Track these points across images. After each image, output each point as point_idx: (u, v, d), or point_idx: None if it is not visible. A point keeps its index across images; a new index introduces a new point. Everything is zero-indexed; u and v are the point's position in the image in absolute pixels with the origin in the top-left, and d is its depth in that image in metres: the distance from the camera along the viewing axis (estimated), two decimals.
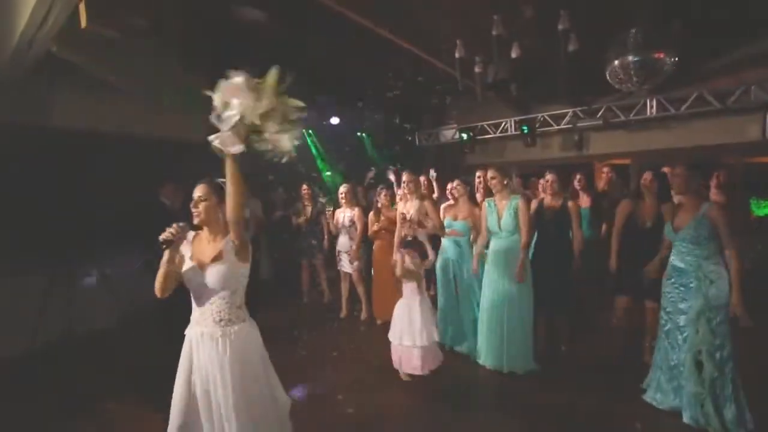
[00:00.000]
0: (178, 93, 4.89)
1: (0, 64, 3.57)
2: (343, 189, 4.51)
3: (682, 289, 2.49)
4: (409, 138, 8.17)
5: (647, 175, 3.11)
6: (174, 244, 1.72)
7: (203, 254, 1.80)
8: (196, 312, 1.80)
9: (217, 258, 1.75)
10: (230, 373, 1.70)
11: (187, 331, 1.82)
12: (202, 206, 1.81)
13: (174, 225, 1.72)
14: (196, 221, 1.82)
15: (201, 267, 1.77)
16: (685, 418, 2.45)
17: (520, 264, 3.08)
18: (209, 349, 1.72)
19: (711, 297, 2.36)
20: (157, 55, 4.31)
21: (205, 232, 1.85)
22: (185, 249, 1.83)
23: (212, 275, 1.74)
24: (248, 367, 1.77)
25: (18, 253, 3.76)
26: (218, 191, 1.83)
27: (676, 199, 2.76)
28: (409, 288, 3.12)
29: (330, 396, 2.98)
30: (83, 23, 2.57)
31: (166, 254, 1.72)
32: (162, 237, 1.69)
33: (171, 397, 1.78)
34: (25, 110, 3.96)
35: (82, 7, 2.55)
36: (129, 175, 4.27)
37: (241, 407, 1.70)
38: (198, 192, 1.84)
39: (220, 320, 1.75)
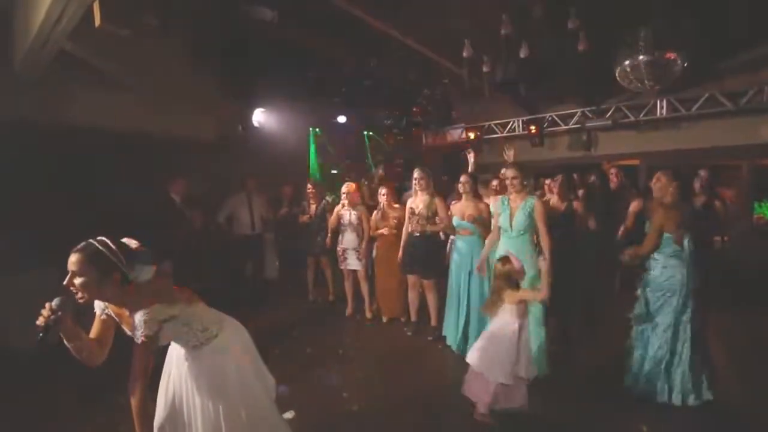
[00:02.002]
0: (186, 91, 4.96)
1: (15, 62, 3.65)
2: (345, 188, 4.53)
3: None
4: (416, 137, 8.18)
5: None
6: (54, 327, 1.38)
7: (125, 320, 1.55)
8: None
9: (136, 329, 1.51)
10: (202, 393, 1.68)
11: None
12: (78, 284, 1.39)
13: (47, 304, 1.38)
14: (80, 302, 1.45)
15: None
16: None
17: (546, 272, 2.80)
18: (185, 368, 1.72)
19: (647, 281, 2.78)
20: (169, 54, 4.37)
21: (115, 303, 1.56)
22: (108, 310, 1.58)
23: None
24: (229, 378, 1.72)
25: (29, 249, 3.83)
26: (100, 262, 1.41)
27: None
28: (510, 310, 2.46)
29: (335, 394, 3.00)
30: (97, 22, 2.62)
31: (63, 334, 1.42)
32: (37, 322, 1.37)
33: None
34: (39, 107, 4.03)
35: (96, 6, 2.59)
36: (140, 171, 4.33)
37: (215, 423, 1.67)
38: (70, 265, 1.40)
39: (193, 347, 1.71)
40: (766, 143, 5.32)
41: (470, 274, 3.56)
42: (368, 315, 4.55)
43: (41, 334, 1.36)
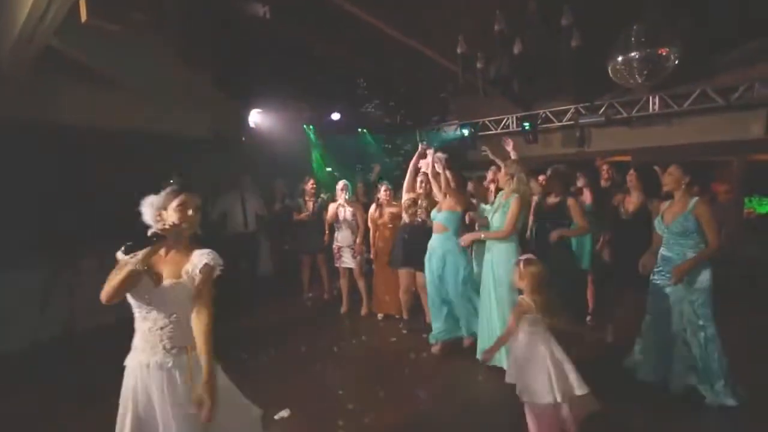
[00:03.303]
0: (178, 88, 4.89)
1: (0, 58, 3.56)
2: (340, 185, 4.51)
3: (668, 276, 2.72)
4: (411, 134, 8.15)
5: (632, 173, 3.50)
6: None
7: (162, 268, 1.57)
8: (141, 338, 1.56)
9: (177, 276, 1.54)
10: (181, 408, 1.49)
11: (128, 361, 1.58)
12: (198, 218, 1.66)
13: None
14: (188, 232, 1.64)
15: (159, 282, 1.53)
16: (673, 389, 2.72)
17: (469, 236, 3.23)
18: (158, 381, 1.50)
19: (693, 282, 2.64)
20: (158, 50, 4.30)
21: (165, 247, 1.59)
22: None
23: (171, 292, 1.52)
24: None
25: (20, 248, 3.77)
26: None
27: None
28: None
29: (331, 391, 2.99)
30: (84, 17, 2.56)
31: (143, 253, 1.46)
32: (153, 231, 1.54)
33: None
34: (25, 105, 3.95)
35: (82, 1, 2.54)
36: (129, 170, 4.27)
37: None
38: (197, 201, 1.67)
39: (172, 348, 1.52)
40: (757, 139, 5.38)
41: (443, 269, 3.44)
42: (363, 312, 4.55)
43: (154, 238, 1.53)
